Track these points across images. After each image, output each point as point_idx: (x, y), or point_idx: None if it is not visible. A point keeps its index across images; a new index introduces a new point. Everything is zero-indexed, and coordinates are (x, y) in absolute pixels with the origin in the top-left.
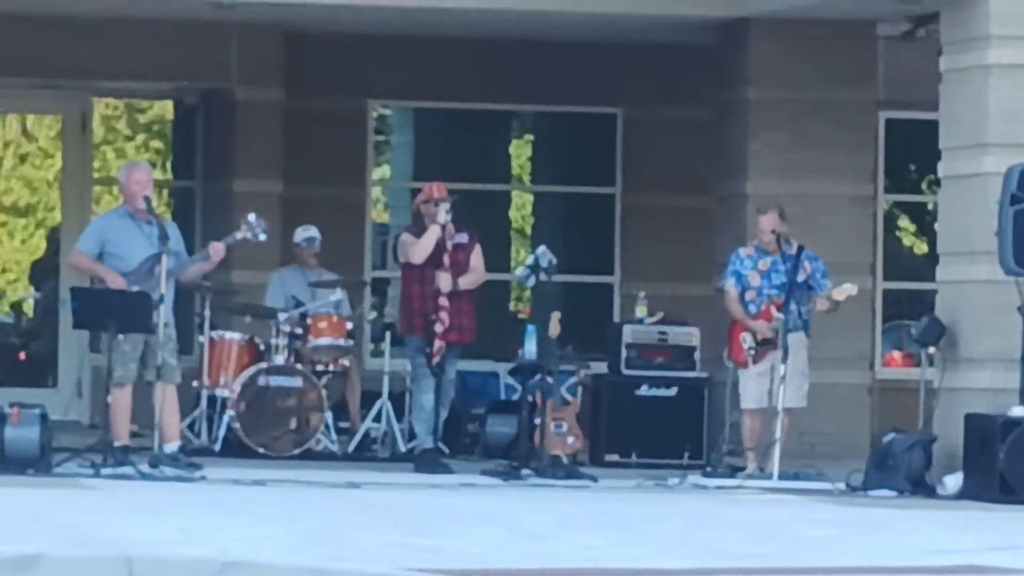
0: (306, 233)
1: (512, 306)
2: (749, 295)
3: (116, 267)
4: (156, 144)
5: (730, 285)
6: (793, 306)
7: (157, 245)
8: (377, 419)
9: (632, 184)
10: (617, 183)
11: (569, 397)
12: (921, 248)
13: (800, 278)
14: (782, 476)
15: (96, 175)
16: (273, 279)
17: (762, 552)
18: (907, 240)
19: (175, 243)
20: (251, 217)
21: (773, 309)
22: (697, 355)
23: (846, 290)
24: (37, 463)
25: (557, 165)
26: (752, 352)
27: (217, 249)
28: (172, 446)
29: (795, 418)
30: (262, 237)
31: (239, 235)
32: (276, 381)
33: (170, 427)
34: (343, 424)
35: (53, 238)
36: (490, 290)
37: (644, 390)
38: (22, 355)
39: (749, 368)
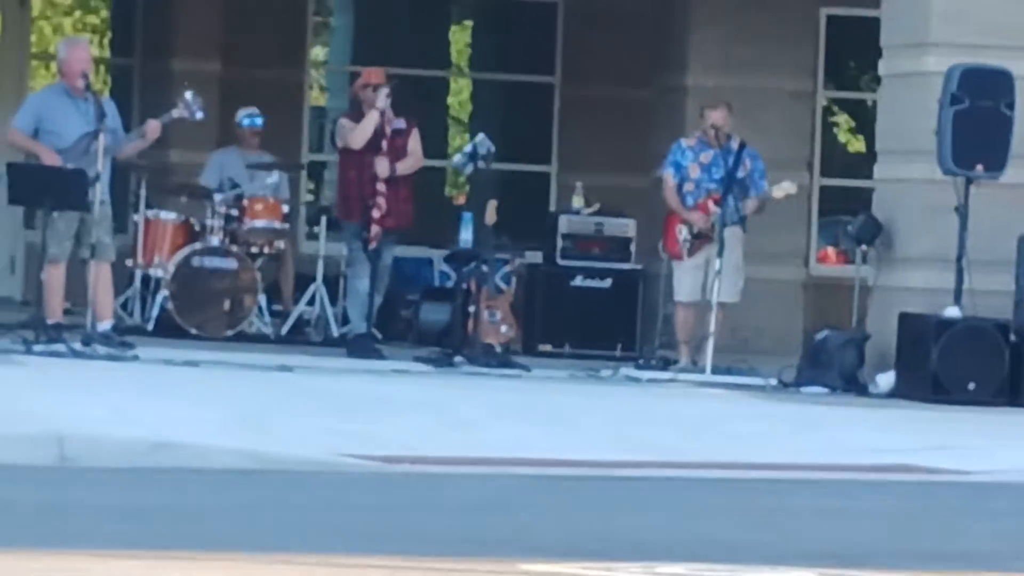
0: (247, 112)
1: (448, 193)
2: (687, 187)
3: (52, 144)
4: (93, 20)
5: (668, 174)
6: (731, 201)
7: (94, 122)
8: (311, 303)
9: (572, 74)
10: (557, 72)
11: (503, 286)
12: (859, 145)
13: (740, 174)
14: (715, 370)
15: (33, 49)
16: (211, 159)
17: (693, 447)
18: (844, 137)
19: (112, 120)
20: (188, 95)
21: (711, 203)
22: (633, 247)
23: (784, 188)
24: None
25: (496, 52)
26: (687, 244)
27: (153, 127)
28: (105, 325)
29: (729, 313)
30: (199, 115)
31: (175, 113)
32: (210, 262)
33: (104, 305)
34: (277, 307)
35: None
36: (427, 176)
37: (579, 281)
38: None
39: (684, 260)
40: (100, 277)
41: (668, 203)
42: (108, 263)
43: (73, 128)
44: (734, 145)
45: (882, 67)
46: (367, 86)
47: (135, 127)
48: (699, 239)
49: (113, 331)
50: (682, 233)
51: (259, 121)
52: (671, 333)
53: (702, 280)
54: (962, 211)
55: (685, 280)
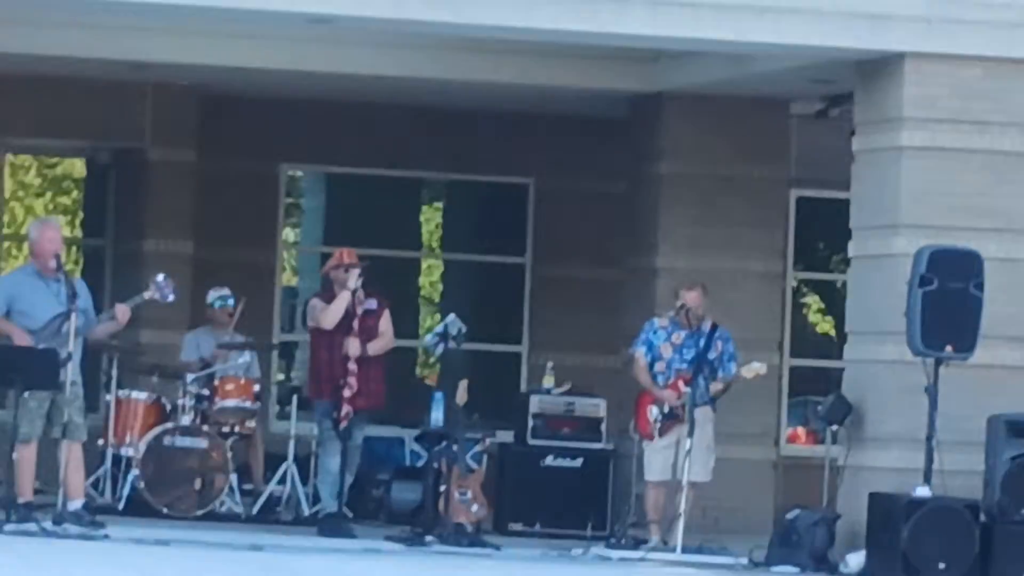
0: (219, 293)
1: (419, 373)
2: (658, 366)
3: (24, 325)
4: (65, 201)
5: (640, 353)
6: (701, 381)
7: (65, 303)
8: (282, 482)
9: (542, 254)
10: (527, 253)
11: (474, 465)
12: (828, 326)
13: (711, 355)
14: (685, 549)
15: (4, 230)
16: (188, 340)
17: None
18: (814, 318)
19: (83, 301)
20: (159, 278)
21: (681, 383)
22: (603, 427)
23: (755, 369)
24: None
25: (467, 233)
26: (658, 424)
27: (122, 311)
28: (76, 504)
29: (700, 492)
30: (170, 298)
31: (147, 295)
32: (181, 442)
33: (75, 485)
34: (247, 486)
35: None
36: (398, 356)
37: (549, 460)
38: None
39: (655, 440)
40: (71, 456)
41: (639, 381)
42: (79, 442)
43: (44, 309)
44: (706, 327)
45: (852, 248)
46: (339, 266)
47: (106, 308)
48: (670, 419)
49: (84, 510)
50: (652, 413)
51: (231, 301)
52: (642, 512)
53: (672, 459)
54: (932, 392)
55: (656, 460)
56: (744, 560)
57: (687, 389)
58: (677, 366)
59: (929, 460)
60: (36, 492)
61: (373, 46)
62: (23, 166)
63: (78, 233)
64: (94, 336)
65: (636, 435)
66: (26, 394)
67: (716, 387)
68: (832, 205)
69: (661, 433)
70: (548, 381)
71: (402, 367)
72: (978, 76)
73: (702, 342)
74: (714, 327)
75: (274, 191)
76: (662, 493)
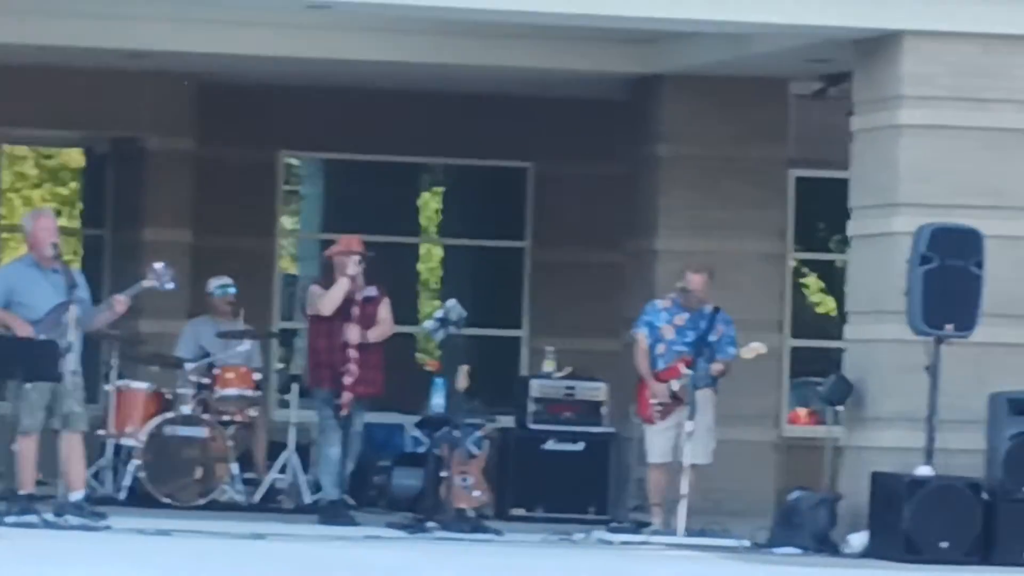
0: (219, 282)
1: (420, 359)
2: (659, 348)
3: (24, 316)
4: (62, 192)
5: (642, 335)
6: (702, 363)
7: (64, 293)
8: (283, 470)
9: (542, 238)
10: (527, 237)
11: (475, 451)
12: (829, 306)
13: (712, 338)
14: (688, 532)
15: (2, 222)
16: (186, 329)
17: None
18: (815, 298)
19: (82, 291)
20: (158, 266)
21: (682, 365)
22: (604, 410)
23: (754, 348)
24: None
25: (467, 218)
26: (659, 409)
27: (120, 301)
28: (77, 495)
29: (701, 474)
30: (169, 286)
31: (146, 284)
32: (182, 431)
33: (75, 476)
34: (249, 475)
35: None
36: (398, 343)
37: (550, 444)
38: None
39: (656, 424)
40: (72, 447)
41: (637, 365)
42: (80, 433)
43: (44, 299)
44: (708, 309)
45: (851, 228)
46: (344, 252)
47: (106, 297)
48: (671, 403)
49: (85, 501)
50: (654, 398)
51: (231, 290)
52: (644, 496)
53: (673, 442)
54: (933, 370)
55: (657, 442)
56: (747, 542)
57: (688, 371)
58: (678, 348)
59: (930, 439)
60: (37, 484)
61: (370, 32)
62: (21, 157)
63: (77, 223)
64: (92, 326)
65: (637, 419)
66: (27, 386)
67: (717, 368)
68: (831, 185)
69: (663, 416)
70: (548, 365)
71: (402, 354)
72: (976, 53)
73: (703, 324)
74: (715, 310)
75: (272, 178)
76: (663, 476)
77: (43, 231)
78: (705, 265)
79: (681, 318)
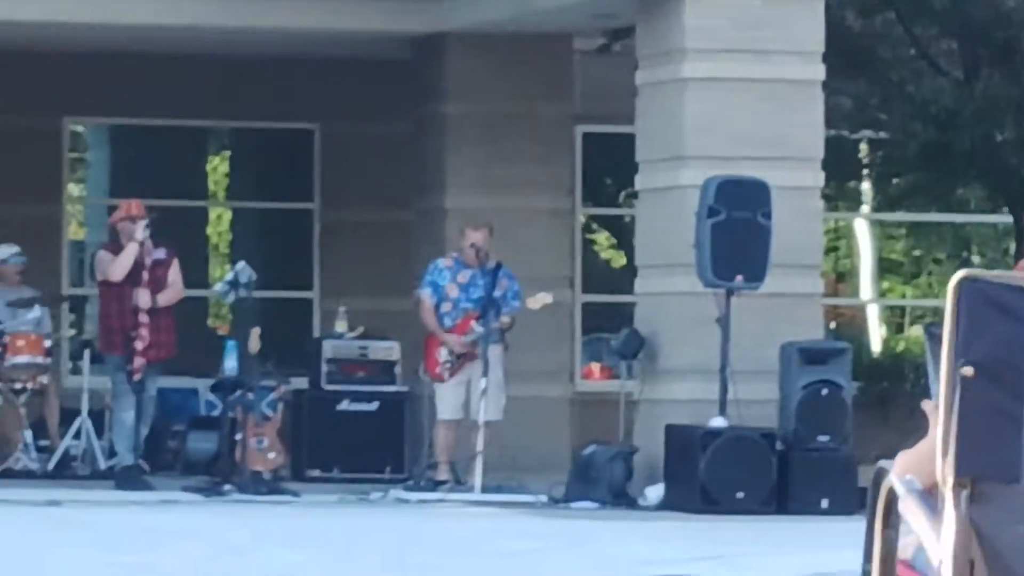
0: (10, 251)
1: (211, 322)
2: (445, 307)
3: None
4: None
5: (426, 295)
6: (492, 318)
7: None
8: (77, 436)
9: (330, 199)
10: (315, 198)
11: (270, 413)
12: (619, 261)
13: (496, 293)
14: (484, 489)
15: None
16: None
17: (464, 565)
18: (604, 253)
19: None
20: None
21: (472, 322)
22: (398, 369)
23: (540, 299)
24: None
25: (254, 181)
26: (448, 365)
27: None
28: None
29: (494, 431)
30: None
31: None
32: None
33: None
34: (43, 442)
35: None
36: (189, 306)
37: (345, 405)
38: None
39: (446, 380)
40: None
41: (425, 323)
42: None
43: None
44: (490, 265)
45: (638, 182)
46: (126, 218)
47: None
48: (460, 359)
49: None
50: (442, 355)
51: (22, 258)
52: (433, 453)
53: (464, 398)
54: (724, 322)
55: (447, 398)
56: (543, 497)
57: (478, 327)
58: (464, 305)
59: (723, 390)
60: None
61: None
62: None
63: None
64: None
65: (426, 377)
66: None
67: (504, 321)
68: (618, 140)
69: (452, 374)
70: (341, 326)
71: (194, 317)
72: (758, 5)
73: (487, 280)
74: (498, 265)
75: (57, 145)
76: (453, 433)
77: None
78: (485, 222)
79: (464, 275)
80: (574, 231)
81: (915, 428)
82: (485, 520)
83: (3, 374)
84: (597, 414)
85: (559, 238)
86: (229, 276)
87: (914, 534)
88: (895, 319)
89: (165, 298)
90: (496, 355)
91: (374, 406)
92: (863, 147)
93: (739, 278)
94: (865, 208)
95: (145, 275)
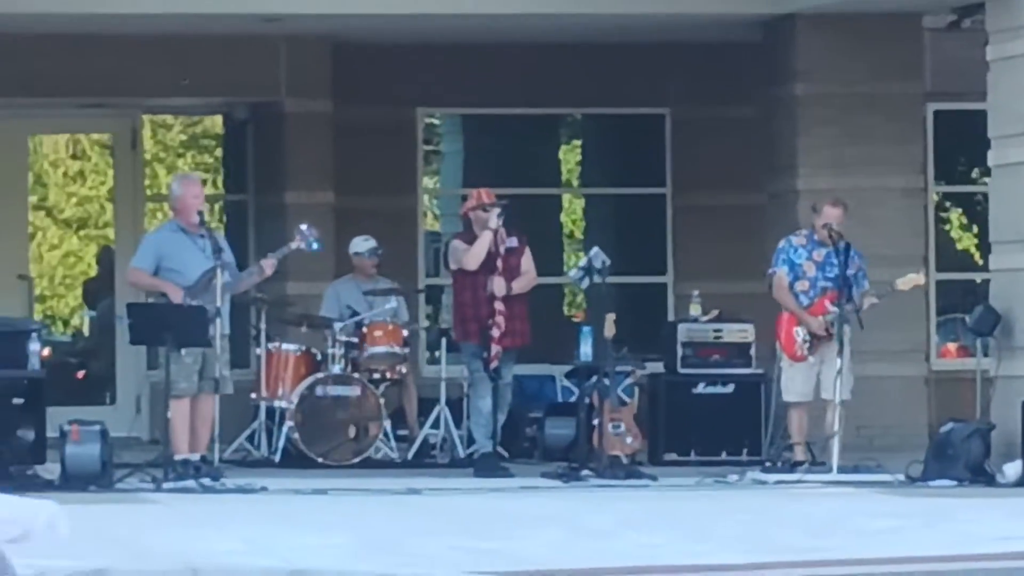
0: (367, 244)
1: (566, 309)
2: (801, 285)
3: (174, 281)
4: (206, 159)
5: (782, 272)
6: (856, 296)
7: (211, 258)
8: (435, 426)
9: (682, 184)
10: (667, 183)
11: (626, 398)
12: (972, 239)
13: (850, 271)
14: (841, 469)
15: (148, 192)
16: (328, 291)
17: (824, 545)
18: (958, 231)
19: (227, 255)
20: (303, 227)
21: (827, 302)
22: (752, 351)
23: (911, 280)
24: (99, 479)
25: (606, 167)
26: (806, 345)
27: (268, 264)
28: (195, 456)
29: (849, 411)
30: (315, 247)
31: (293, 245)
32: (334, 391)
33: (202, 438)
34: (402, 432)
35: (107, 256)
36: (543, 294)
37: (701, 388)
38: (80, 374)
39: (806, 359)
40: (207, 409)
41: (781, 301)
42: (216, 397)
43: (193, 265)
44: (842, 244)
45: (991, 158)
46: (477, 207)
47: (252, 261)
48: (817, 338)
49: (203, 462)
50: (800, 335)
51: (377, 249)
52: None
53: (813, 380)
54: None
55: (798, 379)
56: (901, 476)
57: (833, 308)
58: (822, 284)
59: None
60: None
61: None
62: (164, 126)
63: (220, 190)
64: (239, 290)
65: (782, 355)
66: (183, 351)
67: (871, 300)
68: (970, 117)
69: (811, 353)
70: (695, 309)
71: (548, 305)
72: None
73: (840, 259)
74: (847, 245)
75: (412, 137)
76: (804, 414)
77: (193, 198)
78: (841, 199)
79: (819, 253)
80: (927, 209)
81: None
82: (843, 500)
83: (361, 364)
84: (954, 392)
85: (912, 217)
86: (583, 262)
87: None
88: None
89: (519, 285)
90: (846, 335)
91: (730, 388)
92: None
93: None
94: None
95: (499, 263)
